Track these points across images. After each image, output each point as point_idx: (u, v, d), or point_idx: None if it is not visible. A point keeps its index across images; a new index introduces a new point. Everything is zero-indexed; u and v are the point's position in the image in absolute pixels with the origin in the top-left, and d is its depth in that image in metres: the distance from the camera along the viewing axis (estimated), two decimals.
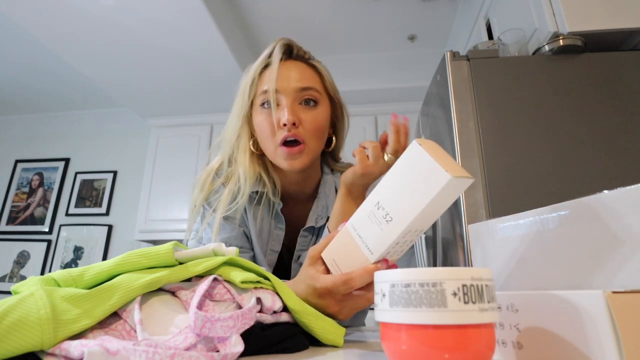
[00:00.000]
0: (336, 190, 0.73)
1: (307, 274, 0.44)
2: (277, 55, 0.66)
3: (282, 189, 0.72)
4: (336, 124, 0.73)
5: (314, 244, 0.73)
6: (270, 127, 0.63)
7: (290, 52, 0.69)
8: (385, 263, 0.38)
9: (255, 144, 0.69)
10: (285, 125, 0.61)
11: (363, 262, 0.38)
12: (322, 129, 0.67)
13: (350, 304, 0.42)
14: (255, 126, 0.67)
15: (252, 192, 0.68)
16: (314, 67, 0.70)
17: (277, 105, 0.63)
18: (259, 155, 0.70)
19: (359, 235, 0.38)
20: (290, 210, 0.74)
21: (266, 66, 0.67)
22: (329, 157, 0.78)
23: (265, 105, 0.65)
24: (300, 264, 0.71)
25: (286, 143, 0.63)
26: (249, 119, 0.68)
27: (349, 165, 0.79)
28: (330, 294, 0.41)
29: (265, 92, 0.64)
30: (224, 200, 0.66)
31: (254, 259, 0.70)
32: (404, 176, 0.35)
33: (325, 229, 0.65)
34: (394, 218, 0.35)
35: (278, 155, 0.64)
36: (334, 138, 0.73)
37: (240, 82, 0.70)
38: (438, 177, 0.32)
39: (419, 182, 0.34)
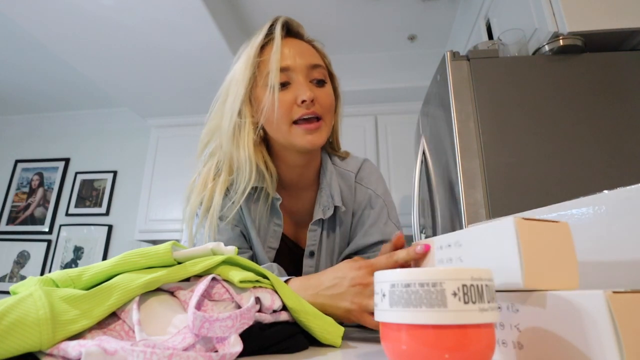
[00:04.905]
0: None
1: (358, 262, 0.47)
2: (279, 32, 0.63)
3: (280, 181, 0.69)
4: (336, 104, 0.71)
5: (327, 236, 0.71)
6: (286, 105, 0.60)
7: (290, 30, 0.67)
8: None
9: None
10: (304, 102, 0.59)
11: None
12: (334, 106, 0.66)
13: None
14: (264, 107, 0.61)
15: (250, 189, 0.65)
16: (313, 46, 0.68)
17: (290, 83, 0.61)
18: (259, 145, 0.66)
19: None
20: (290, 202, 0.71)
21: (264, 45, 0.64)
22: (327, 141, 0.75)
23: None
24: (313, 258, 0.71)
25: (302, 120, 0.60)
26: (248, 104, 0.63)
27: (346, 153, 0.78)
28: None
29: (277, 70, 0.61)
30: (216, 200, 0.63)
31: (252, 258, 0.69)
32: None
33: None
34: None
35: (293, 134, 0.60)
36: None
37: (233, 66, 0.66)
38: None
39: None
